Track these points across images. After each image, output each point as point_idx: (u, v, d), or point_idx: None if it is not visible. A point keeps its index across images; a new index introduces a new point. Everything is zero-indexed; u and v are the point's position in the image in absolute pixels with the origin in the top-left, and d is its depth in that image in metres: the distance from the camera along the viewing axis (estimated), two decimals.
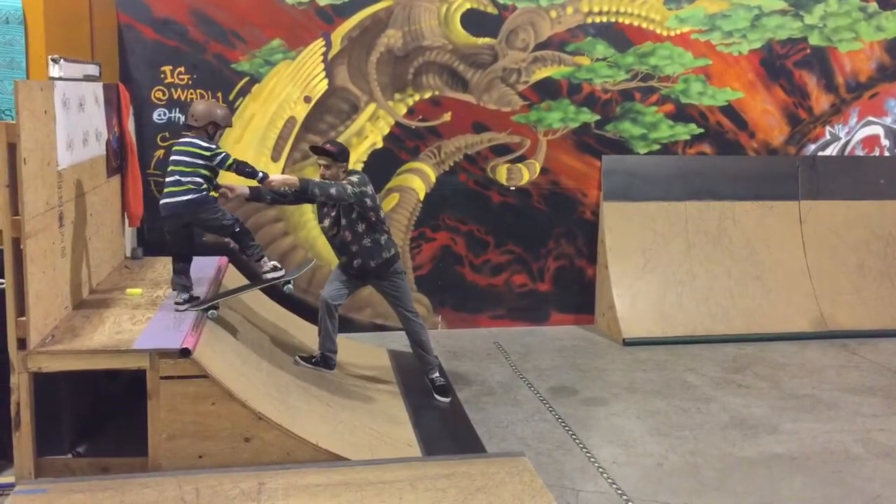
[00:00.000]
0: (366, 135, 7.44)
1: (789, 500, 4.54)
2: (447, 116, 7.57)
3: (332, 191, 5.28)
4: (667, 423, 5.57)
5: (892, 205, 8.07)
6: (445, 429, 5.38)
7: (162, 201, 5.00)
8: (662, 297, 7.51)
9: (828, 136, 8.14)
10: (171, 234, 5.13)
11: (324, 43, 7.29)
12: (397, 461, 4.49)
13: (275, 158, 7.29)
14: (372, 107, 7.42)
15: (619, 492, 4.59)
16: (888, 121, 8.20)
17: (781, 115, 8.03)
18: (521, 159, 7.73)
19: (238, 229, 5.13)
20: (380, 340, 7.10)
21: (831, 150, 8.17)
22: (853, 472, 4.87)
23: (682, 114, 7.88)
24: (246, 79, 7.21)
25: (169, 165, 5.00)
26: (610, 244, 7.63)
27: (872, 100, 8.13)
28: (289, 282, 5.39)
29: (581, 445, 5.20)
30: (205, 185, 4.96)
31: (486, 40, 7.53)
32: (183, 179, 4.91)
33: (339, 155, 5.54)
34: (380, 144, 7.45)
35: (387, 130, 7.46)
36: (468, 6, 7.45)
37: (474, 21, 7.48)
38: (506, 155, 7.70)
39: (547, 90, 7.67)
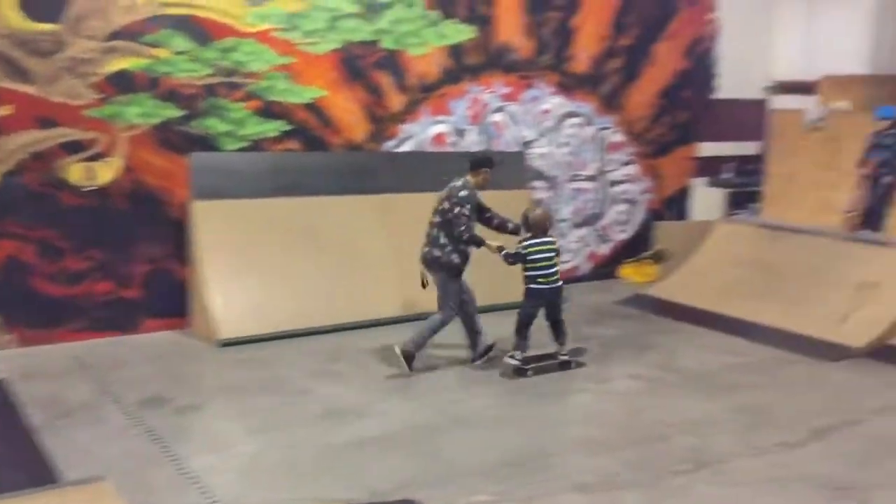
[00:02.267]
0: None
1: (379, 474, 4.75)
2: (7, 110, 6.71)
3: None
4: (264, 421, 5.53)
5: None
6: (11, 461, 4.74)
7: (549, 287, 6.43)
8: (258, 295, 7.46)
9: (403, 133, 8.72)
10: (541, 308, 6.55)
11: None
12: None
13: None
14: None
15: (212, 499, 4.42)
16: (453, 119, 9.01)
17: (362, 112, 8.43)
18: (97, 157, 7.13)
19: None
20: None
21: (408, 147, 8.76)
22: (435, 441, 5.27)
23: (269, 110, 7.89)
24: None
25: (541, 260, 6.39)
26: (202, 244, 7.38)
27: (440, 99, 8.88)
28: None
29: (172, 458, 4.92)
30: None
31: (49, 26, 6.80)
32: (553, 270, 6.44)
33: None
34: None
35: None
36: None
37: (33, 4, 6.73)
38: (80, 153, 7.05)
39: (124, 83, 7.17)
